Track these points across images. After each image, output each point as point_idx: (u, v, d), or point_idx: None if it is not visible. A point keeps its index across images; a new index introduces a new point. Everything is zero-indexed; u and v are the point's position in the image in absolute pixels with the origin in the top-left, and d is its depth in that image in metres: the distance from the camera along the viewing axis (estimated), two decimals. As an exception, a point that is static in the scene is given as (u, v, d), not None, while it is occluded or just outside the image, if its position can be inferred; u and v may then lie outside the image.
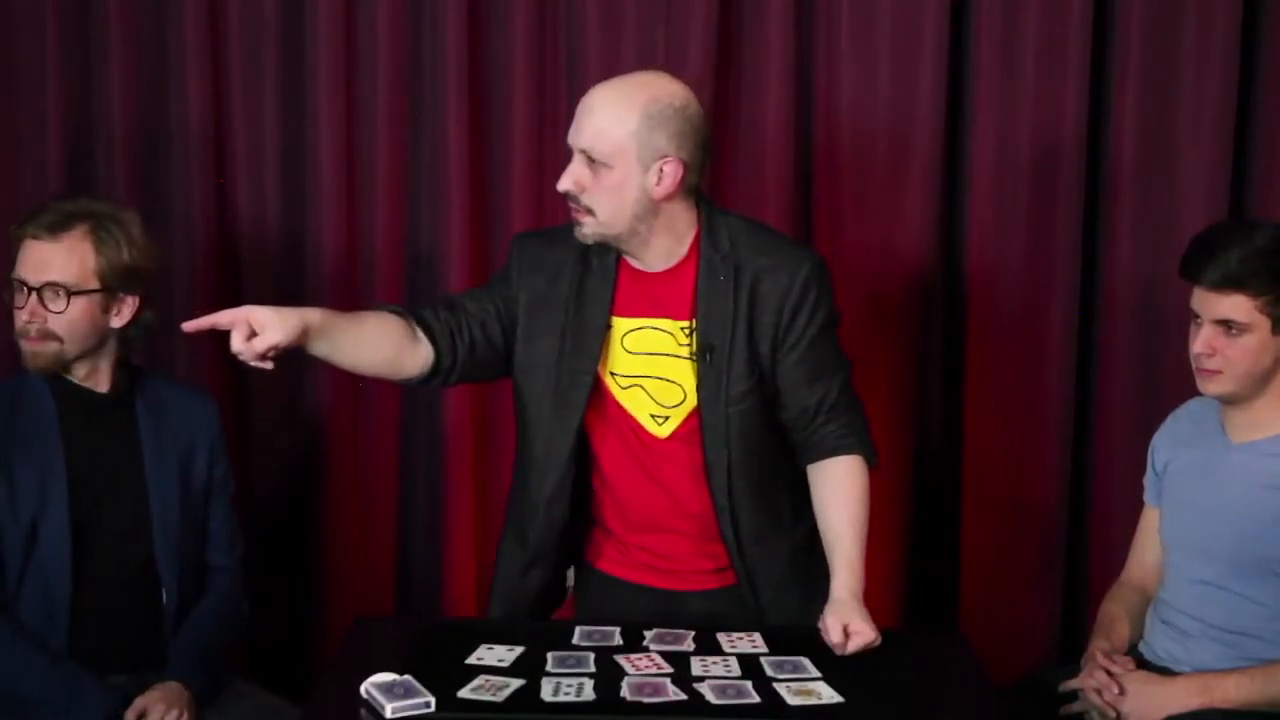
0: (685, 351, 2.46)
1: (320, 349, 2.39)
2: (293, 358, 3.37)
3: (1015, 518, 3.40)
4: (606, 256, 2.48)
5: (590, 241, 2.43)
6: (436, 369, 2.50)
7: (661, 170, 2.37)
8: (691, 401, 2.47)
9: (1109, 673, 2.47)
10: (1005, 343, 3.35)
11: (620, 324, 2.48)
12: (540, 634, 2.39)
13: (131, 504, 2.61)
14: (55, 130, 3.30)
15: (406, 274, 3.40)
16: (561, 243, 2.51)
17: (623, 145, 2.35)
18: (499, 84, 3.33)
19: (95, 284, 2.55)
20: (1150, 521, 2.68)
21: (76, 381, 2.60)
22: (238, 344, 2.26)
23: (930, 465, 3.41)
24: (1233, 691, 2.39)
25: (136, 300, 2.61)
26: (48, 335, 2.53)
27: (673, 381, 2.47)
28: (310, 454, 3.45)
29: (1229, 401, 2.49)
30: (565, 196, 2.41)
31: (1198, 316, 2.44)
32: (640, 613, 2.52)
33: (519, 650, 2.30)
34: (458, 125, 3.28)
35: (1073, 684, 2.53)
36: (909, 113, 3.28)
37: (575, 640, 2.36)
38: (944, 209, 3.34)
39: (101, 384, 2.62)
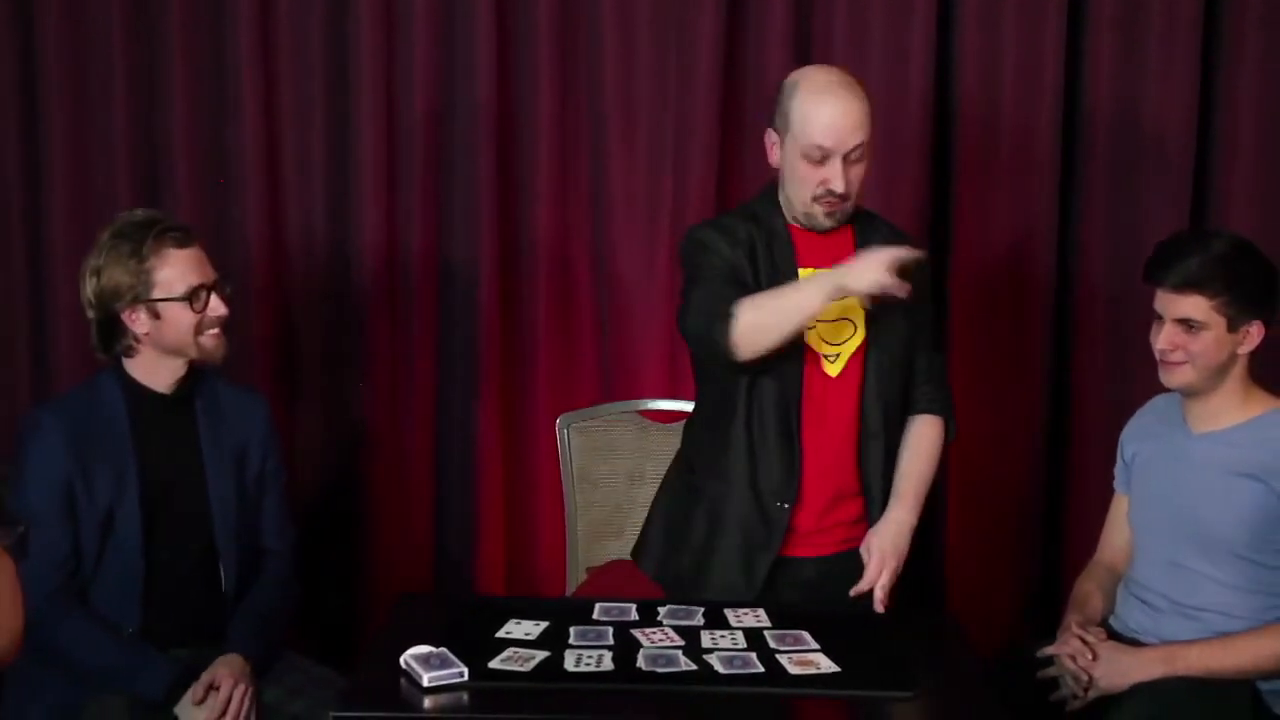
0: None
1: None
2: (339, 356, 3.56)
3: (997, 504, 3.52)
4: (777, 221, 2.67)
5: (841, 223, 2.65)
6: None
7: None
8: (860, 336, 2.66)
9: (1083, 641, 2.55)
10: (988, 339, 3.47)
11: (801, 274, 2.65)
12: (563, 610, 2.51)
13: (193, 495, 2.71)
14: (124, 156, 3.45)
15: (440, 281, 3.53)
16: (730, 219, 2.72)
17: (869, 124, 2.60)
18: (526, 116, 3.47)
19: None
20: (1120, 507, 2.77)
21: (142, 382, 2.69)
22: None
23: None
24: (1194, 661, 2.48)
25: None
26: (226, 326, 2.70)
27: (845, 319, 2.66)
28: (353, 451, 3.56)
29: (1190, 394, 2.58)
30: (841, 197, 2.59)
31: (1160, 316, 2.54)
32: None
33: (544, 625, 2.41)
34: (487, 150, 3.43)
35: (1049, 650, 2.60)
36: (901, 107, 3.40)
37: (595, 616, 2.47)
38: (931, 203, 3.46)
39: (164, 385, 2.71)
